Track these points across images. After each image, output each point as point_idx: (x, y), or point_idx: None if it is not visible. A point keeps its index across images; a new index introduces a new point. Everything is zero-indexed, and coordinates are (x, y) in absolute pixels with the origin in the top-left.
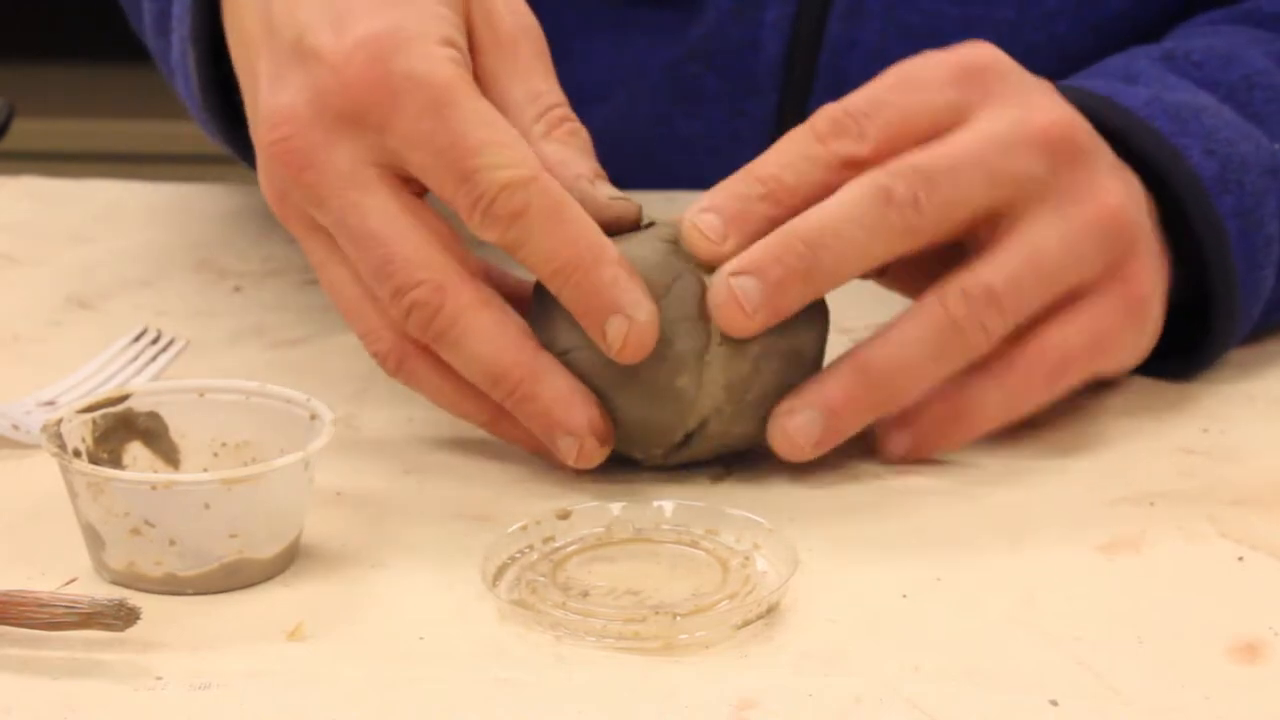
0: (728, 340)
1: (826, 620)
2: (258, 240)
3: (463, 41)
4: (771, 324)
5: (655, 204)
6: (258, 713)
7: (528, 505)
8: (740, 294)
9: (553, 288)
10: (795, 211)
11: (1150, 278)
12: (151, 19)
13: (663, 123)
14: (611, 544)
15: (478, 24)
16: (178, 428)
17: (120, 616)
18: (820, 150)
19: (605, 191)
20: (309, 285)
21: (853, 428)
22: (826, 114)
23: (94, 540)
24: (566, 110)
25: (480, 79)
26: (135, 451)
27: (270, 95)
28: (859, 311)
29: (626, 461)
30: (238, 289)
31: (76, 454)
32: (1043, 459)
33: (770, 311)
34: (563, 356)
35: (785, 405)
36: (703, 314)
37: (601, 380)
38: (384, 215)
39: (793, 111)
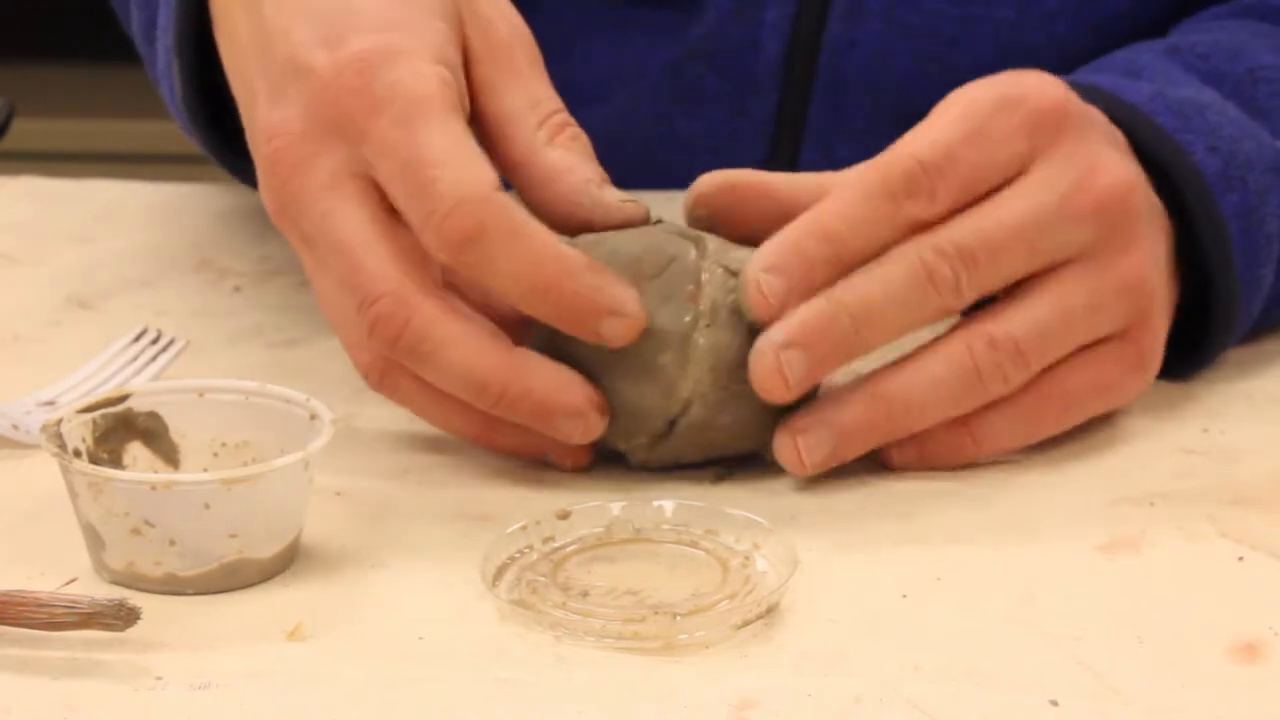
0: (716, 324)
1: (826, 620)
2: (258, 240)
3: (456, 57)
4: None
5: (655, 204)
6: (258, 713)
7: (528, 505)
8: (786, 368)
9: (527, 308)
10: (852, 269)
11: (1160, 333)
12: (140, 27)
13: (663, 123)
14: (611, 544)
15: (473, 34)
16: (178, 428)
17: (120, 616)
18: (892, 212)
19: (614, 195)
20: (309, 285)
21: (858, 452)
22: (902, 167)
23: (94, 540)
24: (567, 116)
25: (478, 88)
26: (135, 451)
27: (267, 110)
28: None
29: (627, 461)
30: (238, 289)
31: (76, 454)
32: (1043, 459)
33: (808, 382)
34: (549, 340)
35: (798, 421)
36: (693, 297)
37: (583, 361)
38: (354, 226)
39: (793, 111)
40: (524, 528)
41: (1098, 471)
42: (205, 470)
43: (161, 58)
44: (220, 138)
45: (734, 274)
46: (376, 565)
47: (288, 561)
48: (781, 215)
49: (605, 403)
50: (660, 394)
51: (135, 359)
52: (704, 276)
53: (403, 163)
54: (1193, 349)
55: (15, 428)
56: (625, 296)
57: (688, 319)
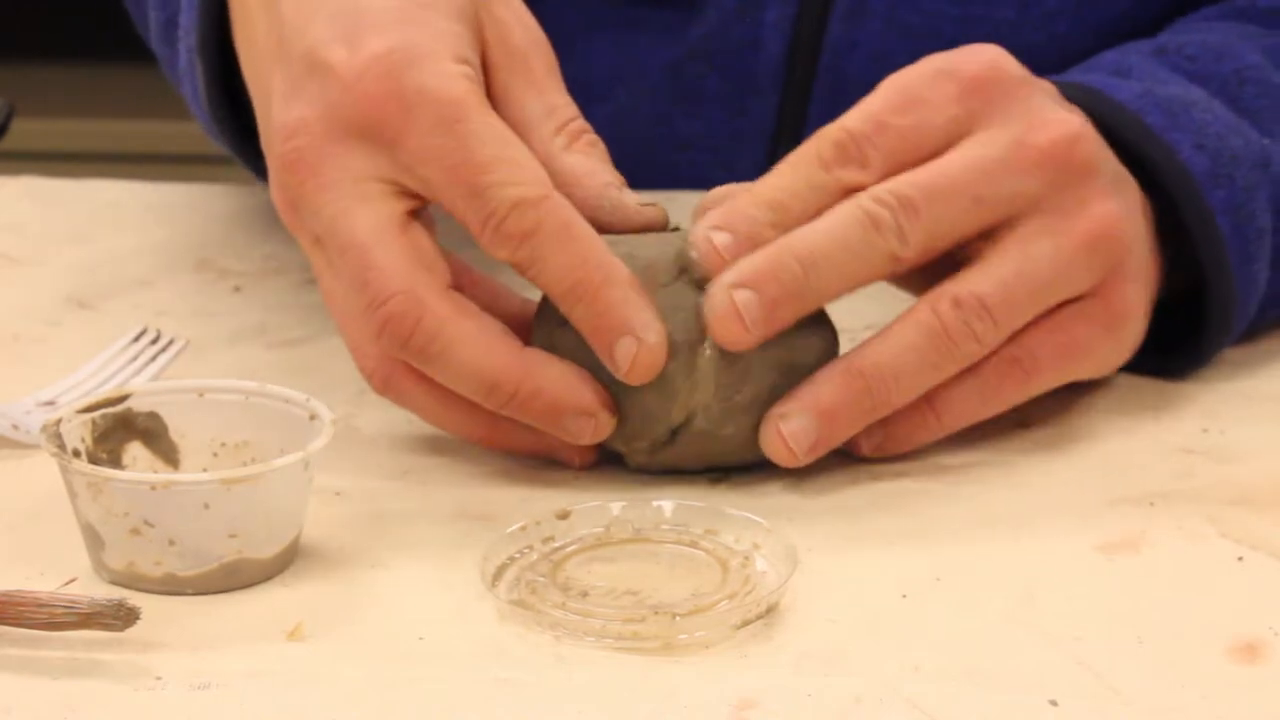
0: None
1: (826, 620)
2: (258, 240)
3: (475, 58)
4: (766, 339)
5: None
6: (258, 713)
7: (528, 505)
8: (741, 307)
9: (563, 307)
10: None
11: (1133, 295)
12: (158, 28)
13: (663, 122)
14: (611, 544)
15: (490, 40)
16: (177, 428)
17: (120, 616)
18: (825, 178)
19: (634, 199)
20: (309, 285)
21: (846, 433)
22: (830, 137)
23: (94, 540)
24: (583, 122)
25: (495, 94)
26: (135, 451)
27: (284, 109)
28: (855, 309)
29: (626, 463)
30: (238, 289)
31: (76, 454)
32: (1042, 459)
33: (766, 327)
34: (548, 337)
35: (778, 409)
36: (700, 313)
37: (588, 363)
38: (372, 227)
39: (793, 112)
40: (524, 528)
41: (1098, 471)
42: (205, 470)
43: (184, 58)
44: (243, 136)
45: None
46: (376, 565)
47: (288, 561)
48: None
49: (614, 401)
50: (664, 402)
51: (135, 359)
52: (706, 303)
53: (451, 168)
54: (1191, 348)
55: (15, 428)
56: (651, 325)
57: (696, 332)
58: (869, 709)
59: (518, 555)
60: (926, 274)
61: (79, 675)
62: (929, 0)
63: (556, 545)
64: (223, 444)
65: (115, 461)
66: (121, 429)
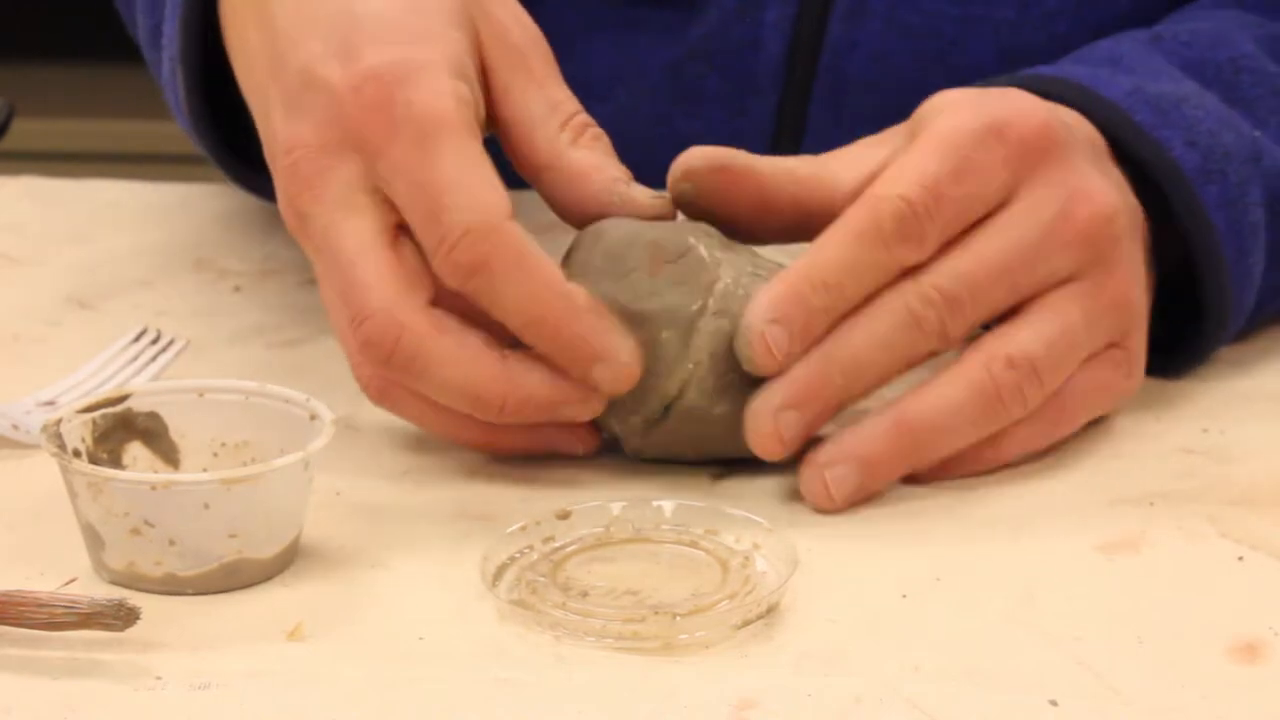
0: (724, 316)
1: (826, 620)
2: (258, 240)
3: (473, 67)
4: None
5: None
6: (258, 713)
7: (528, 505)
8: (783, 428)
9: (526, 340)
10: (845, 316)
11: (1144, 339)
12: (145, 33)
13: (663, 122)
14: (611, 544)
15: (488, 41)
16: (178, 428)
17: (120, 616)
18: (884, 257)
19: (642, 192)
20: (309, 285)
21: (886, 482)
22: (891, 210)
23: (94, 540)
24: (587, 116)
25: (496, 93)
26: (135, 451)
27: (283, 123)
28: None
29: (627, 458)
30: (238, 289)
31: (76, 454)
32: (1042, 459)
33: (803, 439)
34: None
35: (824, 455)
36: (708, 286)
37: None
38: (354, 241)
39: (793, 112)
40: (524, 528)
41: (1098, 471)
42: (205, 470)
43: (166, 66)
44: (225, 143)
45: (757, 274)
46: (376, 565)
47: (288, 561)
48: (763, 204)
49: (599, 404)
50: (658, 371)
51: (135, 359)
52: (722, 269)
53: (416, 185)
54: (1188, 345)
55: (15, 428)
56: (621, 345)
57: (697, 305)
58: (869, 709)
59: (518, 555)
60: None
61: (79, 675)
62: (929, 0)
63: (557, 545)
64: (223, 444)
65: (115, 461)
66: (122, 429)
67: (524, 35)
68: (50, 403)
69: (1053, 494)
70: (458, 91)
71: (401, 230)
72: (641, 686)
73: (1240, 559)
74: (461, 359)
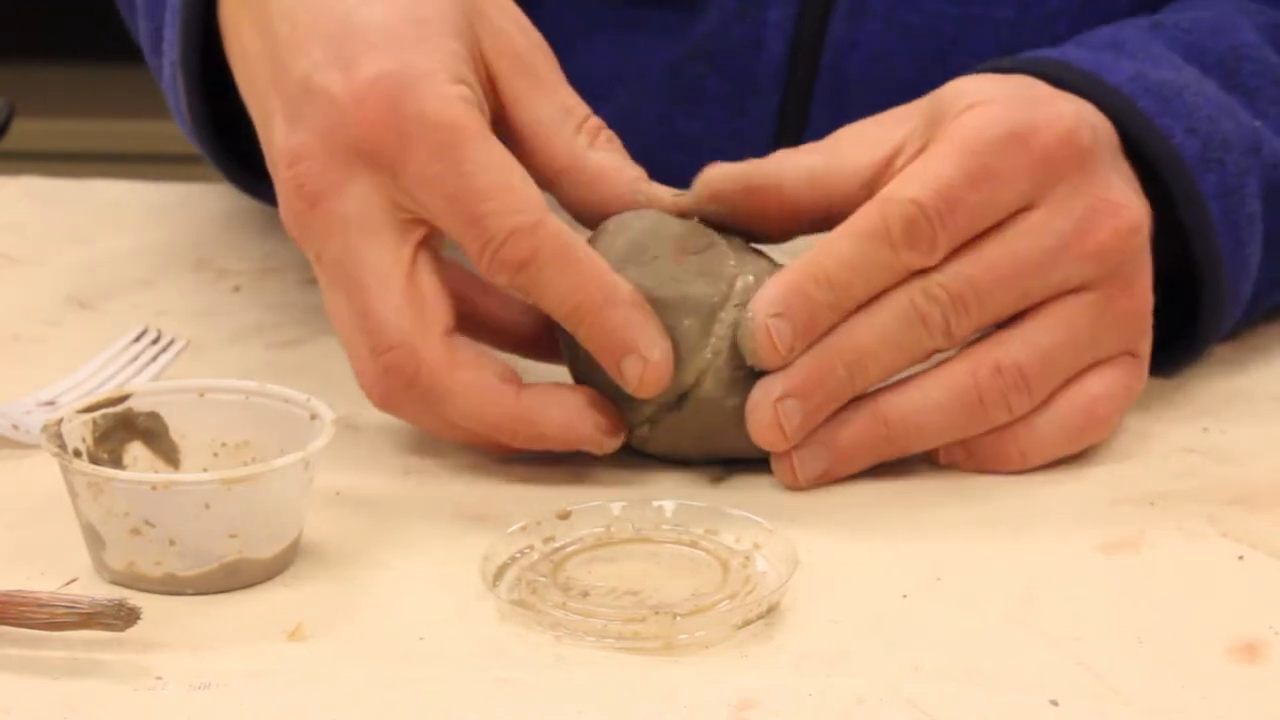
0: (745, 308)
1: (827, 620)
2: (258, 240)
3: (472, 75)
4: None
5: None
6: (258, 713)
7: (528, 505)
8: (784, 418)
9: (568, 328)
10: (849, 312)
11: (1150, 348)
12: (146, 37)
13: (664, 122)
14: (611, 544)
15: (492, 50)
16: (178, 428)
17: (120, 616)
18: (891, 259)
19: (663, 190)
20: (309, 285)
21: (853, 469)
22: (903, 213)
23: (94, 540)
24: (598, 119)
25: (505, 101)
26: (135, 451)
27: (286, 134)
28: None
29: (628, 459)
30: (238, 289)
31: (76, 454)
32: None
33: (804, 430)
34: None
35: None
36: (730, 279)
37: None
38: (376, 267)
39: (795, 111)
40: (524, 528)
41: (1098, 471)
42: (205, 470)
43: (167, 71)
44: (226, 146)
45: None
46: (376, 565)
47: (288, 561)
48: (786, 213)
49: (616, 425)
50: (678, 358)
51: (135, 359)
52: (744, 265)
53: (449, 197)
54: (1184, 340)
55: (15, 428)
56: (654, 342)
57: (719, 295)
58: (870, 709)
59: (518, 555)
60: None
61: (79, 675)
62: (929, 0)
63: (557, 545)
64: (223, 444)
65: (116, 461)
66: (122, 429)
67: (528, 42)
68: (50, 403)
69: (1053, 494)
70: (463, 95)
71: (421, 248)
72: (641, 686)
73: (1240, 559)
74: (475, 394)
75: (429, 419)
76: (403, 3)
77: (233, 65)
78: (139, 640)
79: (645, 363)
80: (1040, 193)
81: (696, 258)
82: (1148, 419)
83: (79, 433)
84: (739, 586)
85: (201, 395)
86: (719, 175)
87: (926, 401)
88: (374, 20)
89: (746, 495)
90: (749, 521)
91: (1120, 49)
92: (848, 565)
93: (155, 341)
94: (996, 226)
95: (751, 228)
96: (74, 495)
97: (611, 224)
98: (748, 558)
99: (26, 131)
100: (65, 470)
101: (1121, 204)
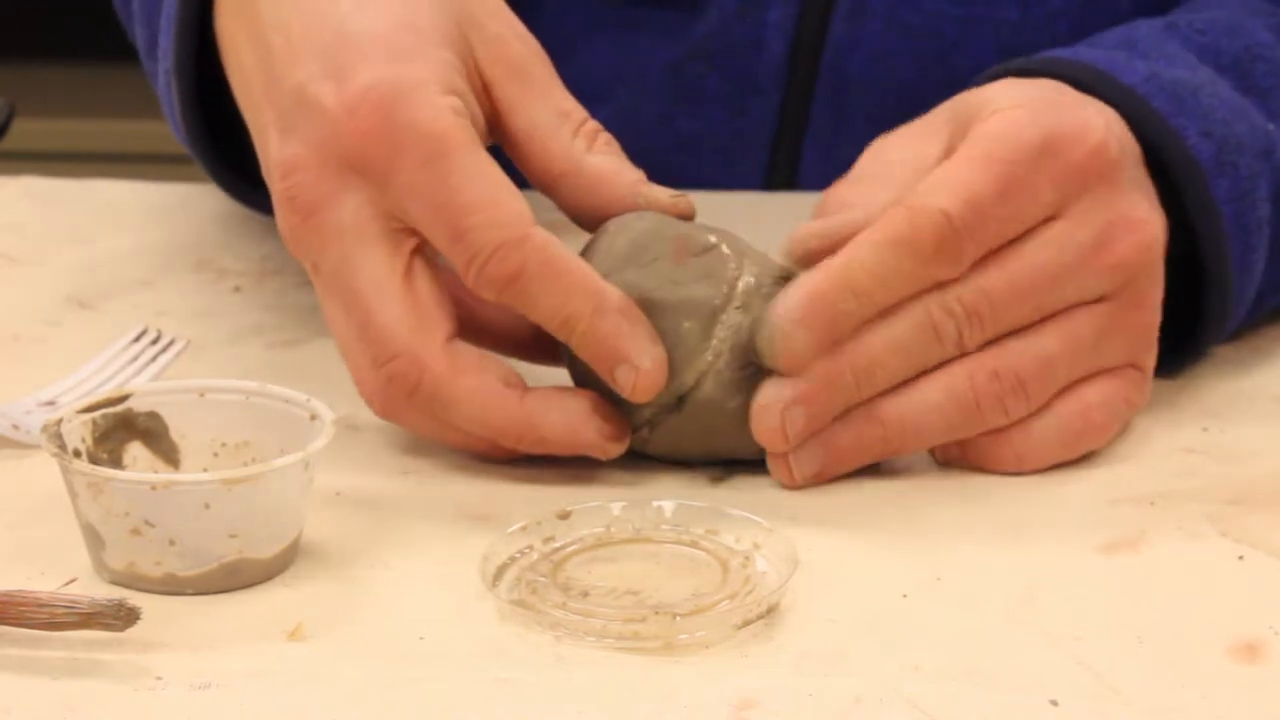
0: (747, 310)
1: (826, 620)
2: (258, 240)
3: (465, 84)
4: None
5: None
6: (258, 713)
7: (528, 505)
8: (788, 424)
9: (560, 339)
10: (869, 321)
11: (1153, 364)
12: (143, 42)
13: (664, 122)
14: (611, 544)
15: (486, 57)
16: (178, 428)
17: (120, 616)
18: (919, 271)
19: (663, 192)
20: (309, 285)
21: (847, 469)
22: (932, 225)
23: (94, 540)
24: (595, 122)
25: (501, 109)
26: (135, 451)
27: (280, 146)
28: None
29: (628, 459)
30: (238, 289)
31: (76, 454)
32: None
33: (807, 434)
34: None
35: None
36: (732, 280)
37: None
38: (373, 277)
39: (795, 111)
40: (524, 528)
41: (1098, 471)
42: (205, 470)
43: (161, 79)
44: (222, 153)
45: (781, 277)
46: (376, 565)
47: (288, 561)
48: None
49: (620, 430)
50: (677, 360)
51: (135, 359)
52: (745, 267)
53: (435, 208)
54: (1187, 336)
55: (15, 428)
56: (645, 351)
57: (720, 297)
58: (869, 709)
59: (518, 555)
60: None
61: (79, 675)
62: (930, 0)
63: (557, 545)
64: (223, 444)
65: (116, 461)
66: (122, 429)
67: (523, 47)
68: (50, 403)
69: (1053, 494)
70: (454, 106)
71: (415, 256)
72: (641, 686)
73: (1240, 559)
74: (482, 399)
75: (431, 426)
76: (396, 13)
77: (229, 75)
78: (139, 640)
79: (637, 371)
80: (1065, 203)
81: (697, 259)
82: (1148, 419)
83: (79, 433)
84: (739, 586)
85: (201, 395)
86: (809, 235)
87: (923, 403)
88: (367, 30)
89: (746, 495)
90: (749, 521)
91: (1134, 48)
92: (847, 565)
93: (155, 341)
94: (1019, 237)
95: None
96: (74, 495)
97: (612, 225)
98: (748, 558)
99: (26, 131)
100: (65, 470)
101: (1142, 219)
